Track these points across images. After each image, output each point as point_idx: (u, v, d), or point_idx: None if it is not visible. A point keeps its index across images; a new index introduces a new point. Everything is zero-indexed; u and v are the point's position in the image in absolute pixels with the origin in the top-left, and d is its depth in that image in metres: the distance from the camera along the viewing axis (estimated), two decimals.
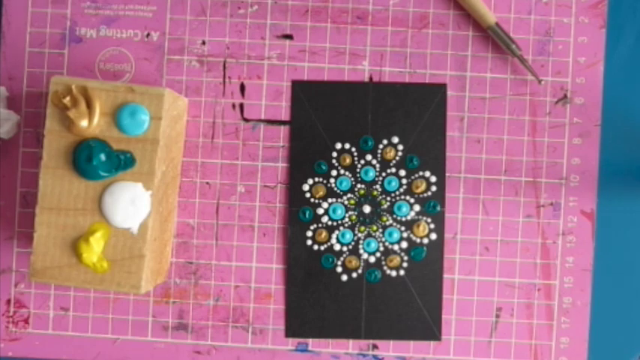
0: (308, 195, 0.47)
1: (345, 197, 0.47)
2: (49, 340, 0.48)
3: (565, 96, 0.48)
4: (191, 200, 0.48)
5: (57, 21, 0.48)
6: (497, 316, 0.47)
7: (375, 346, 0.47)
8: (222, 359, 0.48)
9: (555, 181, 0.48)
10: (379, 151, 0.47)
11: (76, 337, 0.48)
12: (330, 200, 0.47)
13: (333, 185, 0.47)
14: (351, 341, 0.47)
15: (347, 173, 0.47)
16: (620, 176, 0.48)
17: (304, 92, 0.47)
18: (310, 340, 0.48)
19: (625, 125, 0.48)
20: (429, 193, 0.47)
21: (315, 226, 0.47)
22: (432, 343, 0.47)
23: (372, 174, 0.47)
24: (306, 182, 0.47)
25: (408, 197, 0.47)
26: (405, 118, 0.47)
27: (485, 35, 0.48)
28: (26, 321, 0.48)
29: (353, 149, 0.47)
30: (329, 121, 0.47)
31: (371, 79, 0.48)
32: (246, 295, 0.48)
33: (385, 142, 0.47)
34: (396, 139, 0.47)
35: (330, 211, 0.47)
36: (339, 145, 0.47)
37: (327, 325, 0.47)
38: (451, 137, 0.48)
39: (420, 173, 0.47)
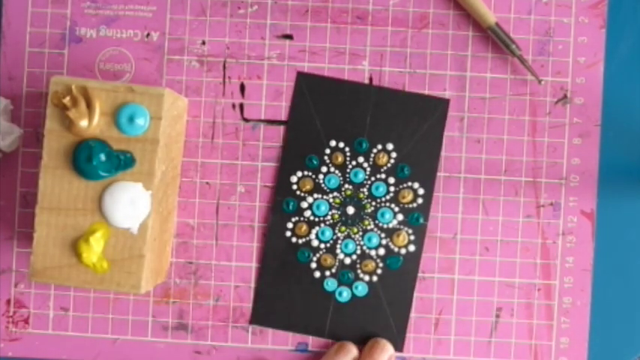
0: (295, 187, 0.47)
1: (331, 195, 0.47)
2: (49, 340, 0.48)
3: (565, 96, 0.48)
4: (191, 200, 0.48)
5: (57, 21, 0.48)
6: (498, 316, 0.47)
7: None
8: (222, 359, 0.48)
9: (555, 181, 0.48)
10: (372, 155, 0.47)
11: (76, 337, 0.48)
12: (315, 195, 0.47)
13: (322, 181, 0.47)
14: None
15: (337, 172, 0.47)
16: (620, 176, 0.48)
17: (308, 85, 0.47)
18: (310, 340, 0.48)
19: (625, 125, 0.48)
20: (415, 205, 0.47)
21: (296, 218, 0.47)
22: (431, 342, 0.47)
23: (361, 176, 0.47)
24: (295, 174, 0.47)
25: (393, 205, 0.47)
26: (402, 127, 0.47)
27: (485, 35, 0.48)
28: (26, 321, 0.48)
29: (347, 149, 0.47)
30: (327, 117, 0.47)
31: (371, 80, 0.48)
32: (246, 295, 0.48)
33: (380, 147, 0.47)
34: (390, 146, 0.47)
35: (314, 207, 0.47)
36: (333, 143, 0.47)
37: (292, 318, 0.47)
38: (451, 137, 0.48)
39: (409, 184, 0.47)
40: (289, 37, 0.48)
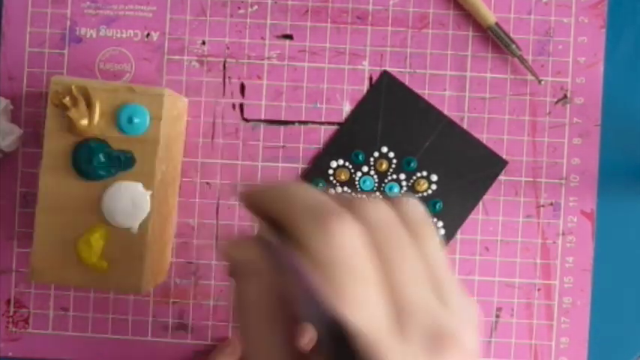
0: (331, 172, 0.47)
1: (359, 195, 0.47)
2: (49, 340, 0.48)
3: (565, 96, 0.48)
4: (191, 200, 0.48)
5: (57, 21, 0.48)
6: (497, 316, 0.47)
7: None
8: None
9: (555, 181, 0.48)
10: (414, 178, 0.47)
11: (76, 337, 0.48)
12: (345, 189, 0.47)
13: (357, 179, 0.47)
14: None
15: (375, 177, 0.47)
16: (620, 176, 0.48)
17: (388, 86, 0.47)
18: None
19: (625, 125, 0.48)
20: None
21: None
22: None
23: (395, 191, 0.47)
24: (336, 160, 0.47)
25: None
26: (454, 167, 0.47)
27: (485, 35, 0.48)
28: (26, 321, 0.48)
29: (394, 161, 0.47)
30: (390, 124, 0.47)
31: (371, 80, 0.48)
32: None
33: (425, 173, 0.47)
34: (435, 177, 0.47)
35: None
36: (384, 149, 0.47)
37: None
38: None
39: (435, 220, 0.47)
40: (289, 37, 0.48)
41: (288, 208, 0.27)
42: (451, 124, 0.47)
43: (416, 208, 0.28)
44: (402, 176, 0.47)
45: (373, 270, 0.26)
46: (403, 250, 0.27)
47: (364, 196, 0.31)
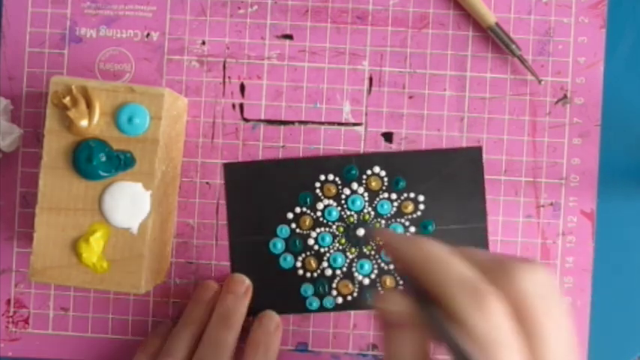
0: (317, 181, 0.47)
1: (350, 212, 0.47)
2: (49, 340, 0.48)
3: (565, 96, 0.48)
4: (191, 200, 0.48)
5: (57, 21, 0.48)
6: None
7: (374, 346, 0.47)
8: None
9: (555, 181, 0.48)
10: (401, 200, 0.47)
11: (76, 337, 0.48)
12: (331, 202, 0.47)
13: (344, 198, 0.47)
14: (350, 341, 0.47)
15: (366, 197, 0.47)
16: (620, 176, 0.48)
17: None
18: (310, 340, 0.48)
19: (625, 125, 0.48)
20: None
21: (306, 210, 0.47)
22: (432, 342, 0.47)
23: (386, 207, 0.47)
24: (326, 175, 0.47)
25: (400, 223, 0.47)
26: (432, 181, 0.47)
27: (485, 35, 0.48)
28: (26, 321, 0.48)
29: (384, 180, 0.47)
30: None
31: (371, 80, 0.48)
32: None
33: (410, 195, 0.47)
34: (421, 198, 0.47)
35: (327, 212, 0.47)
36: (374, 170, 0.47)
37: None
38: (451, 137, 0.48)
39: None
40: (289, 37, 0.48)
41: (443, 281, 0.30)
42: (409, 153, 0.47)
43: (551, 279, 0.31)
44: (395, 196, 0.47)
45: (521, 343, 0.29)
46: (545, 323, 0.29)
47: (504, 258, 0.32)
